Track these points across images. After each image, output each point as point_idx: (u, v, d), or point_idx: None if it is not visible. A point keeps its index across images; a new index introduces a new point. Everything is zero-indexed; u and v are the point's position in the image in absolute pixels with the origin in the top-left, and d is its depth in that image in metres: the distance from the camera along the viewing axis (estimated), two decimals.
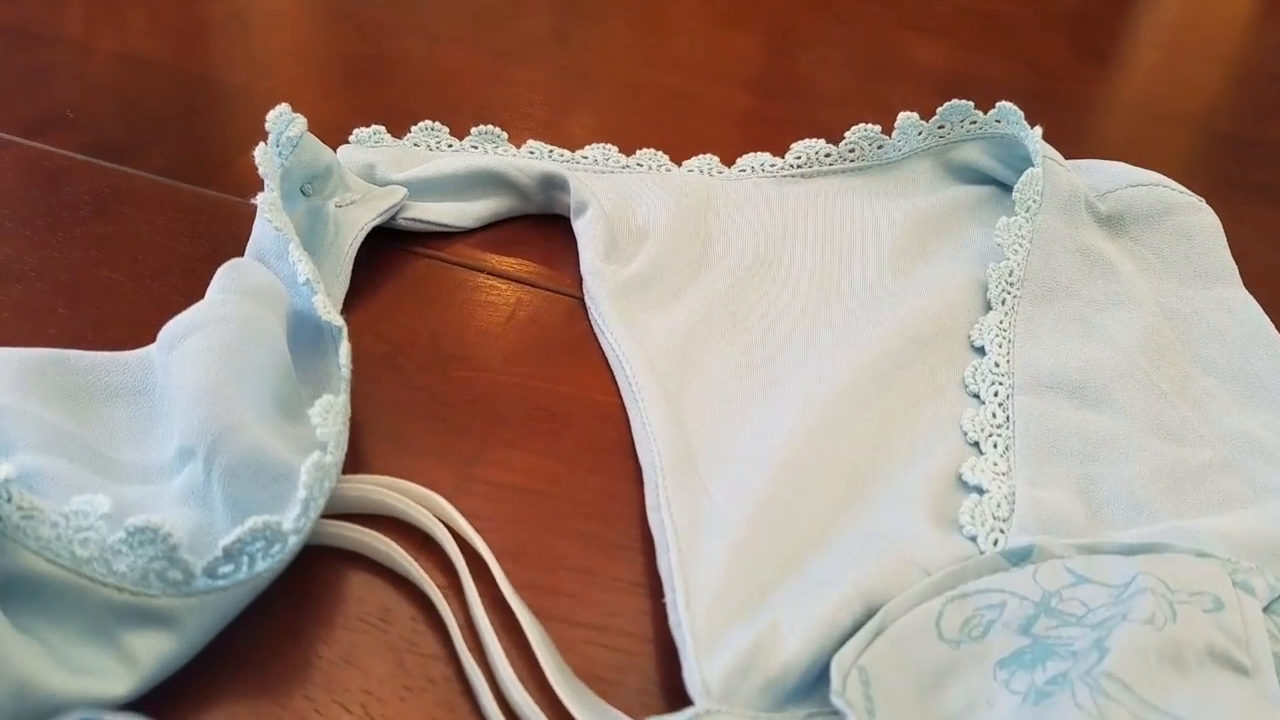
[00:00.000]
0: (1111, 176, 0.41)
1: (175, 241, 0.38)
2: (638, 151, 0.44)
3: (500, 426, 0.32)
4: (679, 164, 0.44)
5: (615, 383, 0.34)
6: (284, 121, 0.36)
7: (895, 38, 0.61)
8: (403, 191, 0.39)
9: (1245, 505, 0.30)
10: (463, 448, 0.31)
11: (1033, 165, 0.39)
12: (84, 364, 0.30)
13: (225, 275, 0.31)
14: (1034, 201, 0.38)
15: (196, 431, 0.27)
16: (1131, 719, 0.22)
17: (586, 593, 0.28)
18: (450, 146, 0.43)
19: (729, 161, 0.44)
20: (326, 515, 0.28)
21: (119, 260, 0.37)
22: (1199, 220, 0.40)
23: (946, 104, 0.43)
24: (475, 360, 0.35)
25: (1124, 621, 0.24)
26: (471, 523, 0.28)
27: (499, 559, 0.27)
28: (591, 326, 0.36)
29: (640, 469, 0.31)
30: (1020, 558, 0.26)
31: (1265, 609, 0.26)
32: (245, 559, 0.24)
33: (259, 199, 0.33)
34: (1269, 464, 0.32)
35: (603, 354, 0.35)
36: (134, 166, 0.42)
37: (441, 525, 0.28)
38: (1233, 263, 0.39)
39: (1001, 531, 0.28)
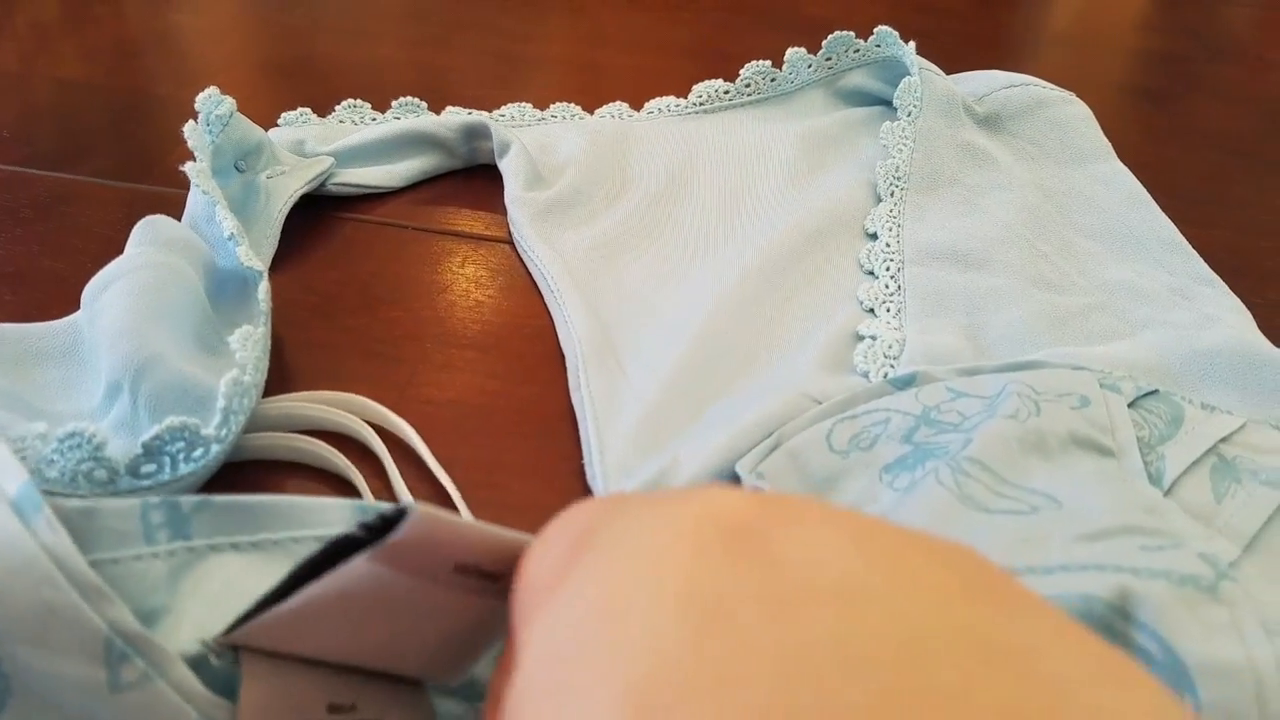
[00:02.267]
0: (987, 81, 0.44)
1: (113, 231, 0.41)
2: (552, 105, 0.47)
3: (431, 354, 0.34)
4: (592, 113, 0.47)
5: (542, 306, 0.36)
6: (213, 101, 0.38)
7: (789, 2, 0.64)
8: (330, 160, 0.41)
9: (1121, 338, 0.33)
10: (395, 375, 0.34)
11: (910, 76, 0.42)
12: (15, 334, 0.32)
13: (140, 230, 0.33)
14: (914, 106, 0.41)
15: (121, 365, 0.29)
16: (988, 493, 0.24)
17: (523, 486, 0.30)
18: (374, 120, 0.46)
19: (638, 106, 0.47)
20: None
21: (60, 251, 0.40)
22: (1070, 110, 0.43)
23: (831, 35, 0.47)
24: (403, 302, 0.37)
25: (989, 419, 0.26)
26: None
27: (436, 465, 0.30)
28: (517, 261, 0.39)
29: (566, 378, 0.33)
30: (905, 383, 0.29)
31: (1131, 404, 0.28)
32: (167, 459, 0.26)
33: (188, 166, 0.36)
34: (1142, 303, 0.35)
35: (528, 282, 0.38)
36: (70, 173, 0.45)
37: (368, 426, 0.30)
38: (1106, 142, 0.42)
39: (891, 367, 0.31)
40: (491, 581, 0.16)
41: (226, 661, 0.17)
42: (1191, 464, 0.27)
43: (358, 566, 0.15)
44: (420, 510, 0.15)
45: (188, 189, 0.38)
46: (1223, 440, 0.28)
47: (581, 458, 0.30)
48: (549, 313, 0.36)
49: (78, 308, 0.36)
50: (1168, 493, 0.26)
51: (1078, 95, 0.44)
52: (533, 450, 0.31)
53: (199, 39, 0.59)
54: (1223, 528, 0.25)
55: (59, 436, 0.26)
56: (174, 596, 0.18)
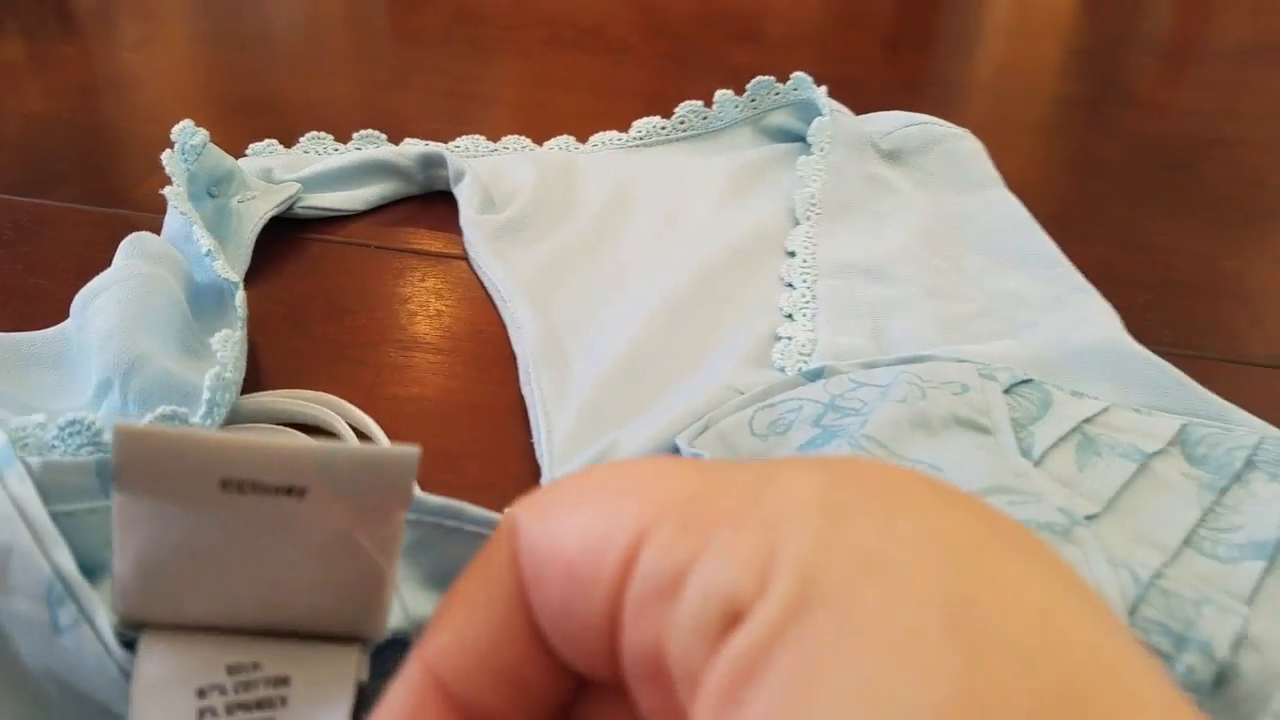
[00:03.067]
0: (891, 120, 0.50)
1: (93, 250, 0.43)
2: (503, 138, 0.51)
3: (394, 357, 0.38)
4: (540, 146, 0.51)
5: (495, 315, 0.40)
6: (188, 132, 0.42)
7: (716, 47, 0.69)
8: (297, 185, 0.45)
9: (1004, 338, 0.38)
10: (362, 377, 0.37)
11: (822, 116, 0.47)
12: (8, 342, 0.35)
13: (127, 245, 0.37)
14: (826, 142, 0.46)
15: (112, 364, 0.32)
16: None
17: (480, 469, 0.33)
18: (336, 150, 0.49)
19: (583, 140, 0.51)
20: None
21: (43, 270, 0.42)
22: (963, 145, 0.49)
23: (754, 80, 0.52)
24: (367, 312, 0.40)
25: (883, 403, 0.31)
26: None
27: None
28: (472, 276, 0.42)
29: (518, 377, 0.37)
30: (815, 376, 0.33)
31: (1006, 390, 0.33)
32: None
33: (167, 190, 0.39)
34: (1023, 309, 0.40)
35: (483, 295, 0.41)
36: (49, 199, 0.47)
37: (340, 419, 0.33)
38: (995, 172, 0.48)
39: (805, 362, 0.35)
40: (285, 495, 0.15)
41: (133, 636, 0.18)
42: (1058, 440, 0.31)
43: (115, 501, 0.15)
44: (119, 427, 0.14)
45: (162, 214, 0.41)
46: (1087, 420, 0.32)
47: (529, 445, 0.33)
48: (502, 321, 0.40)
49: (61, 318, 0.39)
50: (1036, 464, 0.30)
51: (979, 134, 0.50)
52: (487, 439, 0.34)
53: (161, 78, 0.63)
54: (1084, 492, 0.30)
55: (59, 425, 0.29)
56: None
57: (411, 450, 0.15)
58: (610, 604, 0.14)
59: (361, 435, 0.34)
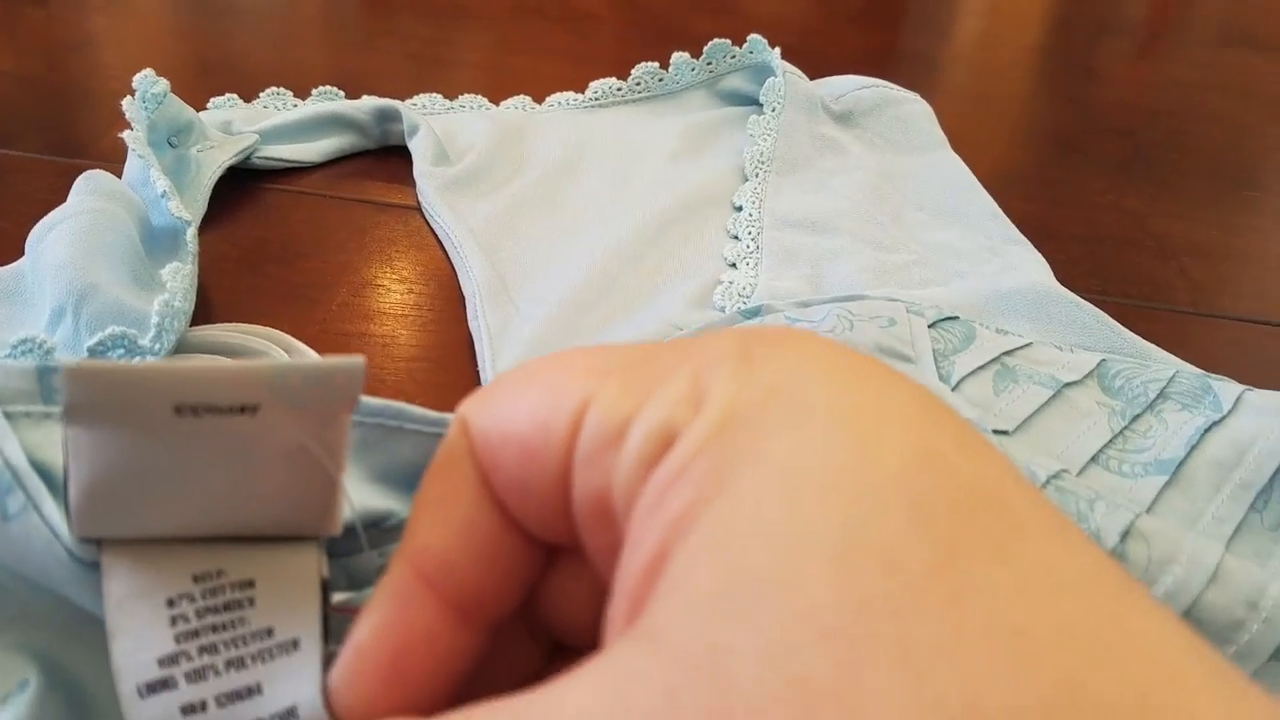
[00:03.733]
0: (843, 84, 0.51)
1: (57, 196, 0.44)
2: (460, 96, 0.52)
3: (346, 297, 0.39)
4: (497, 104, 0.52)
5: (446, 261, 0.41)
6: (149, 81, 0.42)
7: (684, 17, 0.70)
8: (255, 137, 0.45)
9: (937, 285, 0.39)
10: (314, 314, 0.38)
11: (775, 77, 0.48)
12: None
13: (81, 183, 0.37)
14: (778, 102, 0.48)
15: (65, 292, 0.32)
16: None
17: (426, 401, 0.34)
18: (295, 105, 0.50)
19: (540, 102, 0.52)
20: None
21: (6, 214, 0.43)
22: (913, 108, 0.50)
23: (711, 42, 0.53)
24: (321, 255, 0.41)
25: None
26: None
27: None
28: (425, 226, 0.43)
29: (466, 318, 0.38)
30: (752, 314, 0.34)
31: (931, 325, 0.34)
32: None
33: (126, 134, 0.40)
34: (958, 259, 0.41)
35: (434, 243, 0.42)
36: (13, 149, 0.48)
37: (284, 354, 0.34)
38: (942, 135, 0.49)
39: (744, 303, 0.36)
40: (239, 414, 0.16)
41: (92, 553, 0.18)
42: (977, 368, 0.32)
43: (68, 433, 0.16)
44: (67, 366, 0.15)
45: (123, 165, 0.42)
46: (1008, 353, 0.34)
47: (475, 379, 0.34)
48: (452, 267, 0.41)
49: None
50: (954, 389, 0.32)
51: (934, 103, 0.51)
52: (435, 372, 0.35)
53: (128, 40, 0.63)
54: (997, 413, 0.31)
55: (12, 343, 0.29)
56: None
57: (357, 360, 0.16)
58: (561, 467, 0.15)
59: None
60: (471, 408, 0.17)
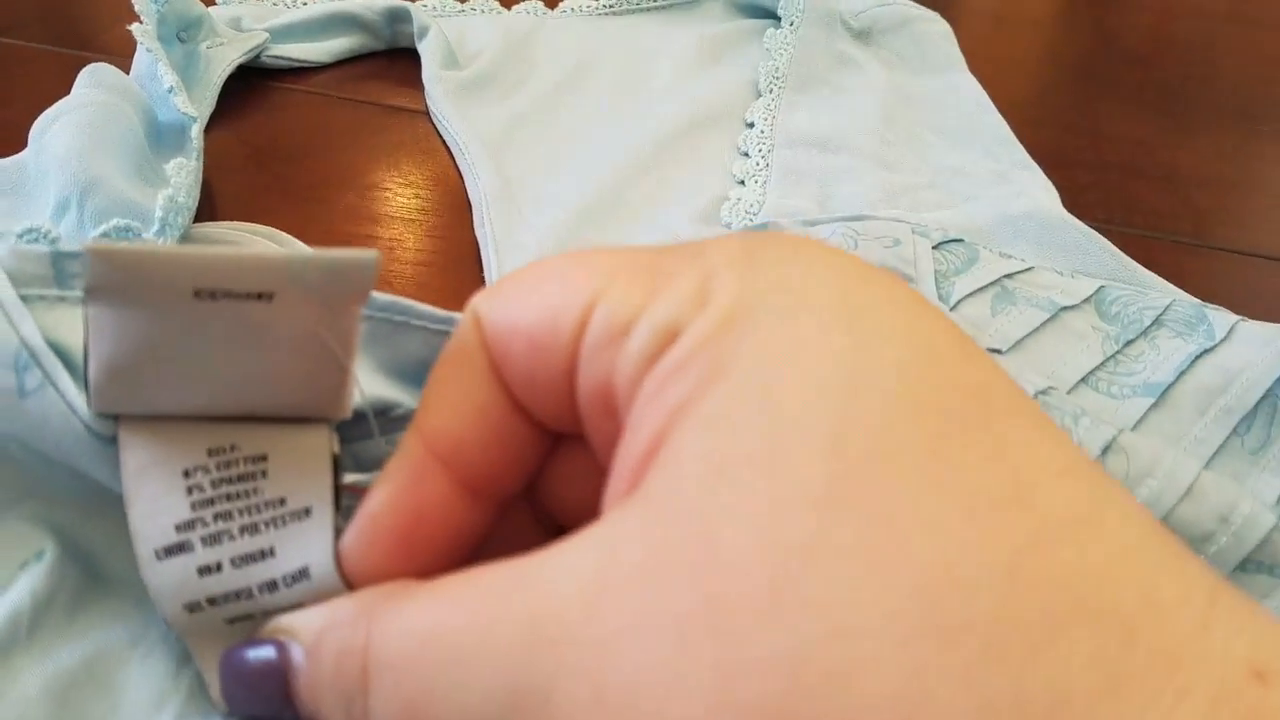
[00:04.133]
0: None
1: (62, 89, 0.44)
2: None
3: (354, 200, 0.39)
4: (509, 8, 0.51)
5: (453, 167, 0.41)
6: None
7: None
8: (265, 35, 0.45)
9: (945, 209, 0.39)
10: (320, 215, 0.38)
11: None
12: None
13: (85, 76, 0.37)
14: (797, 16, 0.47)
15: (70, 183, 0.32)
16: None
17: (430, 303, 0.35)
18: (305, 3, 0.49)
19: (552, 6, 0.52)
20: None
21: (12, 102, 0.43)
22: (932, 28, 0.49)
23: None
24: (329, 156, 0.41)
25: None
26: None
27: None
28: (433, 131, 0.43)
29: (473, 224, 0.38)
30: (759, 230, 0.35)
31: (935, 247, 0.34)
32: None
33: (135, 28, 0.39)
34: (967, 183, 0.41)
35: (442, 148, 0.42)
36: (16, 39, 0.48)
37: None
38: (961, 56, 0.49)
39: (750, 219, 0.36)
40: (255, 300, 0.16)
41: (109, 427, 0.19)
42: (977, 290, 0.33)
43: (89, 312, 0.16)
44: (91, 247, 0.15)
45: (130, 59, 0.42)
46: (1008, 276, 0.34)
47: (481, 283, 0.35)
48: (460, 173, 0.41)
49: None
50: (951, 309, 0.32)
51: (947, 20, 0.50)
52: (440, 277, 0.36)
53: None
54: (993, 334, 0.31)
55: (17, 232, 0.30)
56: (79, 339, 0.20)
57: (370, 254, 0.16)
58: (569, 359, 0.16)
59: None
60: (484, 301, 0.17)
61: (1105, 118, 0.49)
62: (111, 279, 0.16)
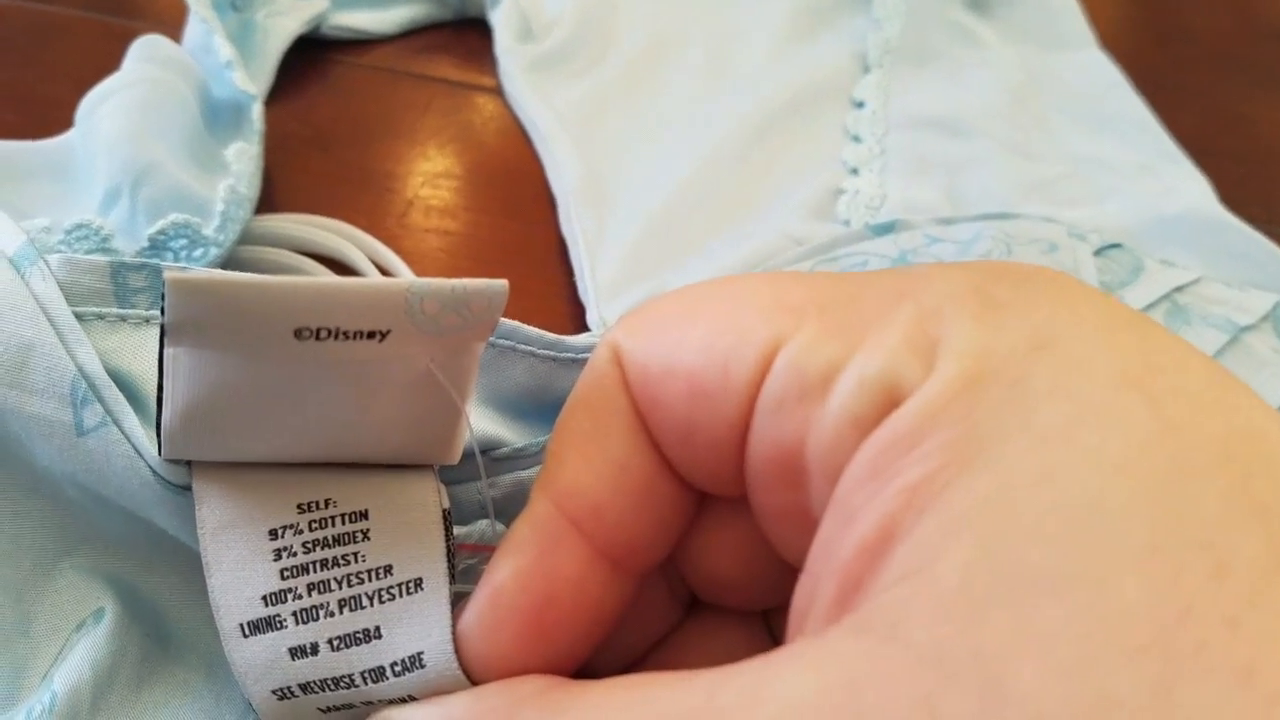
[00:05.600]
0: None
1: (111, 62, 0.40)
2: None
3: (424, 189, 0.35)
4: None
5: (530, 152, 0.37)
6: None
7: None
8: (325, 2, 0.41)
9: (1089, 204, 0.35)
10: (389, 205, 0.34)
11: None
12: (8, 151, 0.32)
13: (138, 48, 0.34)
14: None
15: (121, 170, 0.29)
16: None
17: (515, 306, 0.31)
18: None
19: None
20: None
21: (59, 77, 0.40)
22: None
23: None
24: (397, 140, 0.37)
25: (961, 259, 0.28)
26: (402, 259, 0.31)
27: None
28: (506, 110, 0.39)
29: (555, 218, 0.34)
30: (885, 230, 0.30)
31: (1096, 254, 0.30)
32: (170, 255, 0.27)
33: None
34: (1110, 174, 0.36)
35: (518, 130, 0.38)
36: (57, 5, 0.44)
37: (359, 252, 0.31)
38: (1088, 30, 0.44)
39: (872, 216, 0.32)
40: (367, 339, 0.14)
41: (181, 475, 0.16)
42: (1147, 306, 0.28)
43: (168, 353, 0.14)
44: (172, 278, 0.13)
45: (180, 30, 0.38)
46: (1178, 289, 0.30)
47: (569, 286, 0.31)
48: (538, 160, 0.37)
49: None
50: None
51: None
52: (523, 276, 0.32)
53: None
54: None
55: (66, 228, 0.26)
56: (143, 366, 0.18)
57: (500, 284, 0.14)
58: (741, 411, 0.13)
59: (384, 271, 0.31)
60: (626, 335, 0.15)
61: (1249, 101, 0.44)
62: (198, 315, 0.13)
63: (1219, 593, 0.09)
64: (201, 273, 0.13)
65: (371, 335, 0.14)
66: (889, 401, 0.12)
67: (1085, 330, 0.12)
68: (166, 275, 0.13)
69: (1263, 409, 0.11)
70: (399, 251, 0.31)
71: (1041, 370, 0.11)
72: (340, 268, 0.31)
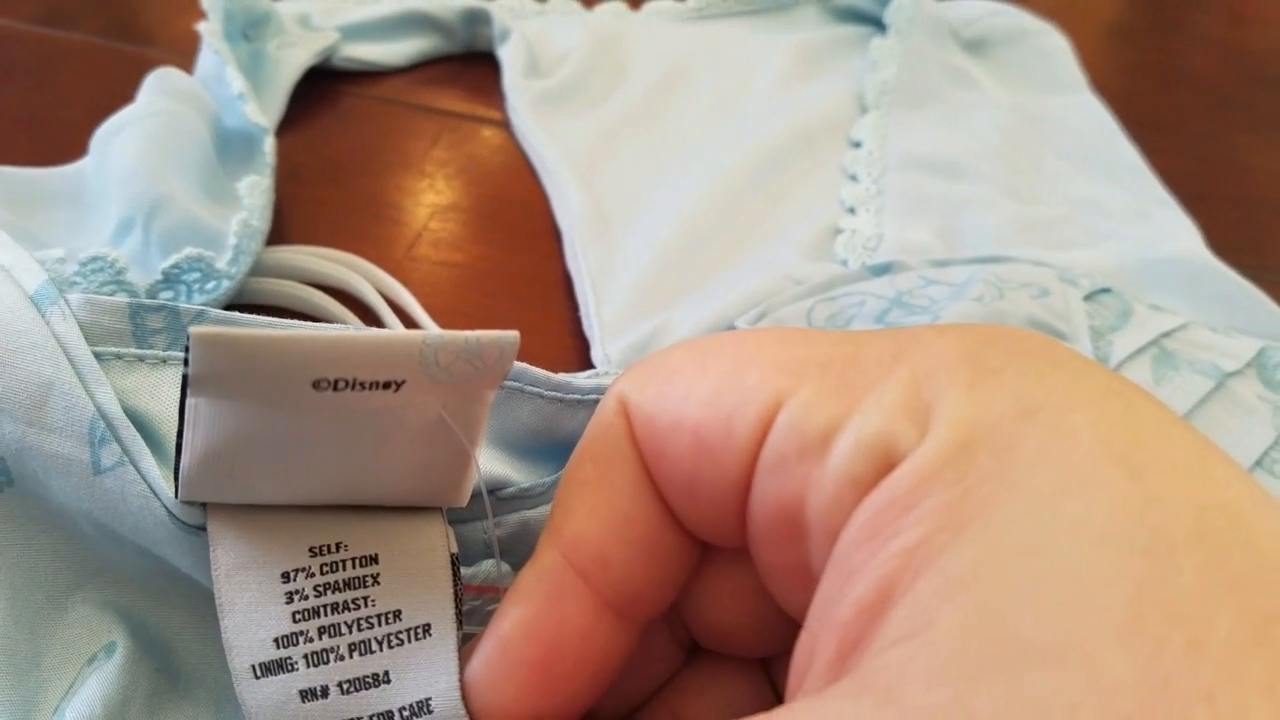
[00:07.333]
0: (974, 8, 0.46)
1: (124, 87, 0.41)
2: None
3: (432, 220, 0.36)
4: (590, 8, 0.48)
5: (536, 186, 0.38)
6: None
7: None
8: (336, 35, 0.42)
9: (1083, 247, 0.36)
10: (400, 236, 0.35)
11: None
12: (22, 178, 0.33)
13: (153, 81, 0.34)
14: (904, 24, 0.43)
15: (134, 202, 0.30)
16: None
17: (528, 346, 0.31)
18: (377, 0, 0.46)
19: (636, 7, 0.48)
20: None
21: (73, 102, 0.40)
22: (1051, 41, 0.45)
23: None
24: (406, 172, 0.38)
25: (955, 301, 0.29)
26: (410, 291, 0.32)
27: (436, 318, 0.31)
28: (513, 143, 0.40)
29: (561, 251, 0.35)
30: (881, 270, 0.31)
31: (1086, 298, 0.31)
32: (183, 288, 0.28)
33: (202, 26, 0.36)
34: (1104, 219, 0.37)
35: (524, 164, 0.39)
36: (72, 30, 0.45)
37: (368, 285, 0.32)
38: (1081, 75, 0.45)
39: (870, 257, 0.33)
40: (382, 389, 0.14)
41: (196, 516, 0.17)
42: (1136, 351, 0.29)
43: (190, 403, 0.14)
44: (196, 334, 0.13)
45: (192, 57, 0.39)
46: (1166, 335, 0.30)
47: (574, 320, 0.32)
48: (544, 193, 0.37)
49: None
50: None
51: (1059, 28, 0.46)
52: (528, 311, 0.32)
53: None
54: None
55: (81, 260, 0.27)
56: (159, 406, 0.18)
57: (511, 336, 0.14)
58: (743, 467, 0.14)
59: (392, 304, 0.32)
60: (633, 388, 0.15)
61: (1241, 147, 0.45)
62: (221, 367, 0.14)
63: (1197, 666, 0.10)
64: (224, 328, 0.13)
65: (387, 385, 0.14)
66: (886, 463, 0.12)
67: (1073, 399, 0.12)
68: (191, 330, 0.13)
69: (1241, 481, 0.12)
70: (407, 284, 0.32)
71: (1029, 438, 0.12)
72: (349, 300, 0.31)
